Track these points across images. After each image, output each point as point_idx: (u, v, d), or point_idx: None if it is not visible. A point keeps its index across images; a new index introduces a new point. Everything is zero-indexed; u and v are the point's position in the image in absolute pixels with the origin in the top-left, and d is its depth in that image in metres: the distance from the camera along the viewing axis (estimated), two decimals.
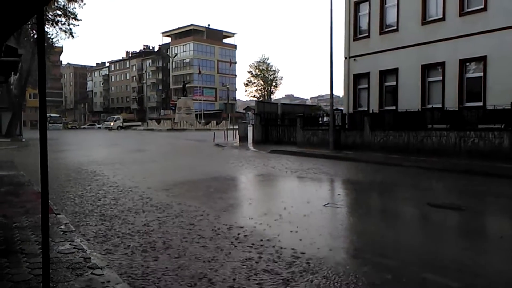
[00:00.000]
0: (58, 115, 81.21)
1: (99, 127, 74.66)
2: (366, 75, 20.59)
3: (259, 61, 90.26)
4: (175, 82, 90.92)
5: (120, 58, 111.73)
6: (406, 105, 17.52)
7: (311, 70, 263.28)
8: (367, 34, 20.70)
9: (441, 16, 17.39)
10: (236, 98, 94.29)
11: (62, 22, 33.42)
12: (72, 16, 33.25)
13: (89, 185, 9.56)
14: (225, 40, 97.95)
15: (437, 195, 8.70)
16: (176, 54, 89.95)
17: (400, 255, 4.74)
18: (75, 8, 33.53)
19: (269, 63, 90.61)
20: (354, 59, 21.16)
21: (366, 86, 20.68)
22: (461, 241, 5.65)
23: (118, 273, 3.98)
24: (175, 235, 5.38)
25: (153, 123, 68.76)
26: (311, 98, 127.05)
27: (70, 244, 4.69)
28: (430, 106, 17.30)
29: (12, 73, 9.33)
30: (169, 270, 4.13)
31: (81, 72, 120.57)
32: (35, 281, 3.59)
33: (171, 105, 79.29)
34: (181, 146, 26.16)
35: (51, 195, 6.97)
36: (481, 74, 16.08)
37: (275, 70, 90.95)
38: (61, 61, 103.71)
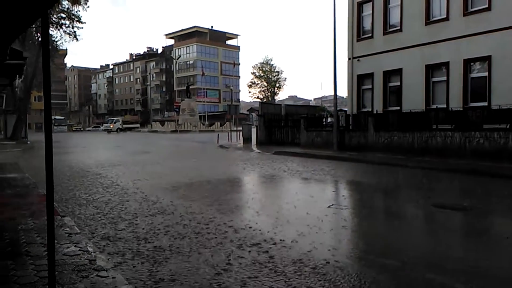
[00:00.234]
0: (63, 118, 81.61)
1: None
2: (370, 75, 20.55)
3: (263, 62, 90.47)
4: (178, 84, 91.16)
5: (124, 60, 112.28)
6: (410, 106, 17.47)
7: (315, 71, 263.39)
8: (370, 35, 20.67)
9: (445, 16, 17.34)
10: (240, 100, 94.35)
11: (66, 25, 33.60)
12: (76, 19, 33.40)
13: (93, 187, 9.59)
14: (229, 42, 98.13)
15: (441, 195, 8.66)
16: (180, 56, 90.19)
17: (404, 256, 4.72)
18: (79, 11, 33.79)
19: (272, 64, 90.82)
20: (358, 60, 21.13)
21: (370, 86, 20.64)
22: (466, 242, 5.63)
23: (124, 275, 3.99)
24: (182, 239, 5.38)
25: (157, 125, 69.04)
26: (314, 99, 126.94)
27: (75, 246, 4.71)
28: (434, 106, 17.23)
29: (17, 76, 9.39)
30: (176, 274, 4.14)
31: (85, 74, 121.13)
32: (41, 283, 3.61)
33: (175, 107, 79.40)
34: (185, 148, 26.21)
35: (56, 197, 7.01)
36: (486, 74, 16.01)
37: (278, 71, 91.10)
38: (66, 63, 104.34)
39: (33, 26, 24.52)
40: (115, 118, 71.77)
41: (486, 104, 15.61)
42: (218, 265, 4.32)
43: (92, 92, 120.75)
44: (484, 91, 15.97)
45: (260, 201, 8.36)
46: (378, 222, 6.78)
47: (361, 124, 18.89)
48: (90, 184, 10.16)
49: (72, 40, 35.55)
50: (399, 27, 19.31)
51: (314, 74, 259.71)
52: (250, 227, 5.82)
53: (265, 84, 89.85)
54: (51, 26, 31.16)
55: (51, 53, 32.12)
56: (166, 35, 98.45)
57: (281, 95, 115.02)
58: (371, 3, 20.51)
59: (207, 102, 78.12)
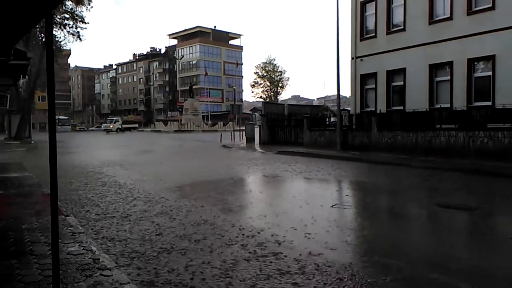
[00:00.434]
0: (66, 118, 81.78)
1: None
2: (373, 75, 20.51)
3: (266, 62, 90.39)
4: (181, 84, 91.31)
5: (127, 60, 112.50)
6: (414, 105, 17.42)
7: (318, 71, 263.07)
8: (373, 34, 20.63)
9: (449, 16, 17.28)
10: (243, 99, 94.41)
11: (70, 25, 33.72)
12: (79, 19, 33.51)
13: (97, 187, 9.62)
14: (232, 42, 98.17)
15: (445, 195, 8.63)
16: (183, 56, 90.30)
17: (408, 256, 4.71)
18: (83, 11, 33.79)
19: (275, 64, 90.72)
20: (361, 59, 21.09)
21: (373, 86, 20.60)
22: (470, 242, 5.61)
23: (127, 274, 4.00)
24: (187, 239, 5.39)
25: (160, 124, 69.08)
26: (318, 98, 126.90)
27: (79, 245, 4.73)
28: (438, 106, 17.17)
29: (21, 76, 9.43)
30: (180, 275, 4.14)
31: (89, 74, 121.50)
32: (45, 282, 3.63)
33: (178, 106, 79.54)
34: (188, 148, 26.25)
35: (60, 196, 7.04)
36: (490, 73, 15.94)
37: (281, 71, 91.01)
38: (69, 64, 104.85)
39: (37, 26, 24.65)
40: (114, 118, 69.47)
41: (490, 103, 15.55)
42: (223, 266, 4.32)
43: (95, 92, 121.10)
44: (488, 90, 15.90)
45: (264, 201, 8.36)
46: (381, 222, 6.77)
47: (364, 124, 18.86)
48: (93, 183, 10.19)
49: (76, 41, 35.83)
50: (402, 27, 19.26)
51: (317, 73, 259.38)
52: (254, 227, 5.82)
53: (268, 83, 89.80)
54: (54, 26, 31.30)
55: (55, 53, 32.27)
56: (169, 35, 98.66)
57: (284, 95, 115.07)
58: (374, 2, 20.47)
59: (210, 102, 78.22)
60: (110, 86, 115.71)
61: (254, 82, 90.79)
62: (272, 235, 5.39)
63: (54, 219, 3.22)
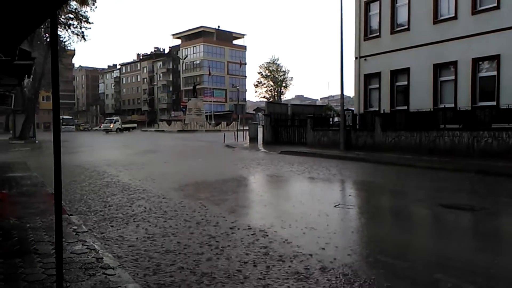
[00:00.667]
0: (70, 117, 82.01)
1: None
2: (377, 75, 20.45)
3: (269, 62, 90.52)
4: (185, 84, 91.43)
5: (131, 60, 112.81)
6: (418, 105, 17.36)
7: (322, 71, 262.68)
8: (377, 34, 20.57)
9: (453, 15, 17.21)
10: (246, 99, 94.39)
11: (74, 26, 33.84)
12: (84, 19, 33.62)
13: (101, 187, 9.65)
14: (235, 41, 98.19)
15: (450, 195, 8.59)
16: (186, 56, 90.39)
17: (412, 256, 4.70)
18: (87, 12, 33.99)
19: (279, 64, 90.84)
20: (365, 59, 21.04)
21: (377, 86, 20.54)
22: (475, 242, 5.58)
23: (131, 274, 4.01)
24: (191, 239, 5.39)
25: (163, 124, 69.08)
26: (321, 98, 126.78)
27: (82, 244, 4.75)
28: (442, 105, 17.11)
29: (26, 76, 9.45)
30: (184, 276, 4.14)
31: (93, 74, 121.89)
32: (48, 281, 3.64)
33: (181, 106, 79.67)
34: (191, 148, 26.27)
35: (64, 196, 7.06)
36: (494, 73, 15.86)
37: (285, 71, 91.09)
38: (73, 63, 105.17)
39: (42, 26, 24.75)
40: (114, 118, 66.90)
41: (494, 103, 15.47)
42: (230, 266, 4.32)
43: (99, 92, 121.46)
44: (492, 90, 15.82)
45: (267, 201, 8.35)
46: (385, 222, 6.75)
47: (368, 124, 18.81)
48: (97, 183, 10.22)
49: (80, 41, 35.85)
50: (406, 26, 19.20)
51: (320, 73, 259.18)
52: (258, 227, 5.82)
53: (272, 83, 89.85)
54: (59, 26, 31.40)
55: (59, 53, 32.27)
56: (173, 35, 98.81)
57: (288, 95, 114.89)
58: (378, 2, 20.41)
59: (213, 101, 78.25)
60: (114, 86, 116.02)
61: (258, 82, 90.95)
62: (275, 235, 5.38)
63: (58, 218, 3.23)
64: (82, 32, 34.31)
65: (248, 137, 28.38)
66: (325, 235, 5.46)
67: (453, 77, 17.28)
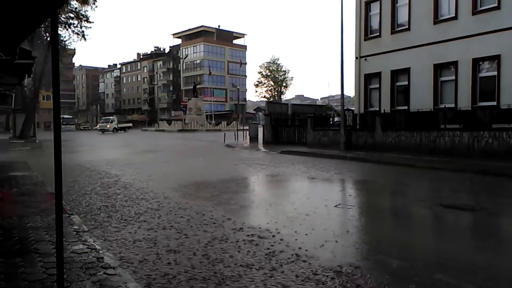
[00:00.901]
0: (71, 117, 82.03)
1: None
2: (377, 75, 20.45)
3: (269, 62, 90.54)
4: (185, 83, 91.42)
5: (132, 59, 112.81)
6: (418, 105, 17.36)
7: (322, 70, 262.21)
8: (378, 34, 20.57)
9: (454, 15, 17.20)
10: (246, 99, 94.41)
11: (75, 25, 33.89)
12: (84, 19, 33.66)
13: (102, 186, 9.66)
14: (235, 41, 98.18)
15: (450, 196, 8.59)
16: (187, 55, 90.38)
17: (412, 256, 4.70)
18: (87, 11, 34.02)
19: (279, 64, 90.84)
20: (365, 59, 21.04)
21: (377, 86, 20.53)
22: (475, 242, 5.58)
23: (131, 273, 4.01)
24: (193, 240, 5.39)
25: (164, 124, 68.99)
26: (321, 98, 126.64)
27: (83, 244, 4.75)
28: (442, 106, 17.11)
29: (26, 75, 9.45)
30: (187, 277, 4.15)
31: (93, 74, 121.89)
32: (49, 281, 3.64)
33: (181, 106, 79.62)
34: (192, 147, 26.27)
35: (64, 195, 7.06)
36: (495, 73, 15.86)
37: (285, 71, 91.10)
38: (74, 63, 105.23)
39: (42, 26, 24.75)
40: (111, 118, 65.10)
41: (495, 103, 15.46)
42: (233, 268, 4.32)
43: (99, 91, 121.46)
44: (493, 90, 15.82)
45: (268, 201, 8.36)
46: (385, 222, 6.75)
47: (368, 124, 18.81)
48: (98, 183, 10.22)
49: (80, 40, 35.90)
50: (407, 26, 19.19)
51: (321, 73, 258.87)
52: (259, 227, 5.82)
53: (272, 83, 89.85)
54: (59, 25, 31.41)
55: (60, 53, 32.32)
56: (173, 34, 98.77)
57: (288, 95, 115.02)
58: (378, 2, 20.40)
59: (213, 101, 78.24)
60: (114, 85, 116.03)
61: (258, 81, 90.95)
62: (276, 235, 5.38)
63: (59, 218, 3.23)
64: (83, 31, 34.39)
65: (248, 137, 28.39)
66: (325, 235, 5.46)
67: (453, 77, 17.27)
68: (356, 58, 21.52)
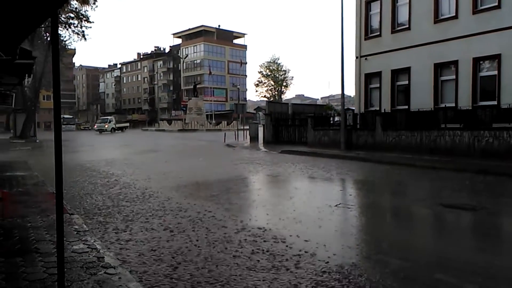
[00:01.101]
0: (71, 117, 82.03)
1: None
2: (378, 74, 20.44)
3: (270, 61, 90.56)
4: (186, 83, 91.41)
5: (132, 59, 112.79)
6: (419, 105, 17.35)
7: (322, 70, 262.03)
8: (378, 33, 20.55)
9: (454, 14, 17.18)
10: (247, 99, 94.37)
11: (75, 25, 33.90)
12: (84, 19, 33.68)
13: (102, 186, 9.66)
14: (236, 41, 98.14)
15: (450, 195, 8.59)
16: (187, 55, 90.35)
17: (412, 256, 4.70)
18: (88, 11, 34.03)
19: (279, 63, 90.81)
20: (366, 59, 21.02)
21: (378, 85, 20.52)
22: (475, 242, 5.58)
23: (132, 273, 4.01)
24: (194, 240, 5.39)
25: (164, 123, 68.96)
26: (322, 98, 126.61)
27: (83, 243, 4.75)
28: (443, 105, 17.10)
29: (27, 75, 9.45)
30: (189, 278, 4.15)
31: (93, 73, 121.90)
32: (50, 280, 3.64)
33: (182, 106, 79.63)
34: (192, 147, 26.27)
35: (65, 195, 7.06)
36: (495, 72, 15.84)
37: (285, 70, 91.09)
38: (74, 63, 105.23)
39: (42, 25, 24.75)
40: (109, 117, 64.20)
41: (495, 103, 15.45)
42: (236, 269, 4.32)
43: (100, 91, 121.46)
44: (493, 89, 15.81)
45: (268, 201, 8.36)
46: (385, 222, 6.75)
47: (368, 123, 18.80)
48: (98, 183, 10.23)
49: (81, 40, 35.95)
50: (407, 26, 19.18)
51: (321, 73, 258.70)
52: (260, 228, 5.82)
53: (272, 83, 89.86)
54: (60, 25, 31.43)
55: (60, 53, 32.24)
56: (173, 34, 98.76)
57: (288, 94, 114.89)
58: (379, 1, 20.37)
59: (214, 101, 78.25)
60: (114, 85, 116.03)
61: (258, 81, 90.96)
62: (277, 235, 5.38)
63: (59, 218, 3.23)
64: (83, 31, 34.41)
65: (248, 137, 28.39)
66: (326, 235, 5.46)
67: (453, 77, 17.26)
68: (357, 57, 21.51)
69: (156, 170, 12.92)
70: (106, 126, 57.14)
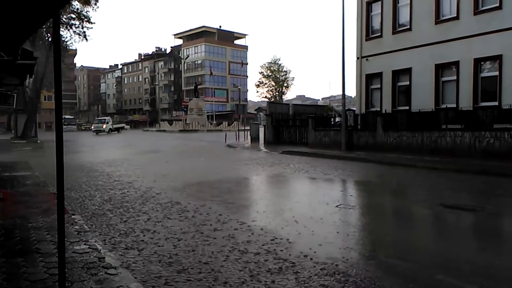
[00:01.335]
0: (72, 117, 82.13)
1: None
2: (379, 75, 20.43)
3: (271, 62, 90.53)
4: (186, 84, 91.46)
5: (133, 60, 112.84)
6: (420, 105, 17.34)
7: (323, 71, 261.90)
8: (379, 34, 20.55)
9: (455, 15, 17.18)
10: (248, 99, 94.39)
11: (76, 25, 33.95)
12: (86, 19, 33.72)
13: (104, 186, 9.67)
14: (237, 41, 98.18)
15: (451, 196, 8.58)
16: (188, 56, 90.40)
17: (413, 257, 4.69)
18: (89, 12, 34.00)
19: (280, 64, 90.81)
20: (367, 59, 21.02)
21: (379, 86, 20.52)
22: (476, 242, 5.58)
23: (133, 273, 4.02)
24: (196, 240, 5.40)
25: (165, 124, 68.98)
26: (322, 98, 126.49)
27: (84, 244, 4.76)
28: (444, 106, 17.09)
29: (28, 76, 9.47)
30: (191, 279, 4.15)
31: (95, 74, 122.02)
32: (51, 280, 3.65)
33: (183, 106, 79.67)
34: (193, 147, 26.28)
35: (66, 195, 7.07)
36: (496, 73, 15.83)
37: (286, 71, 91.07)
38: (75, 63, 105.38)
39: (44, 26, 24.78)
40: (106, 118, 63.00)
41: (496, 103, 15.44)
42: (239, 270, 4.32)
43: (101, 91, 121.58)
44: (494, 90, 15.79)
45: (269, 201, 8.37)
46: (386, 222, 6.75)
47: (369, 124, 18.79)
48: (99, 183, 10.24)
49: (82, 40, 36.01)
50: (408, 26, 19.17)
51: (322, 73, 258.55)
52: (261, 228, 5.82)
53: (273, 83, 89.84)
54: (61, 26, 31.47)
55: (61, 53, 32.24)
56: (174, 35, 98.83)
57: (289, 95, 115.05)
58: (380, 2, 20.38)
59: (215, 101, 78.25)
60: (115, 85, 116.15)
61: (259, 82, 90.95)
62: (277, 235, 5.39)
63: (60, 218, 3.24)
64: (84, 32, 34.45)
65: (249, 137, 28.39)
66: (327, 235, 5.46)
67: (455, 77, 17.25)
68: (358, 58, 21.51)
69: (157, 171, 12.93)
70: (104, 126, 56.17)
